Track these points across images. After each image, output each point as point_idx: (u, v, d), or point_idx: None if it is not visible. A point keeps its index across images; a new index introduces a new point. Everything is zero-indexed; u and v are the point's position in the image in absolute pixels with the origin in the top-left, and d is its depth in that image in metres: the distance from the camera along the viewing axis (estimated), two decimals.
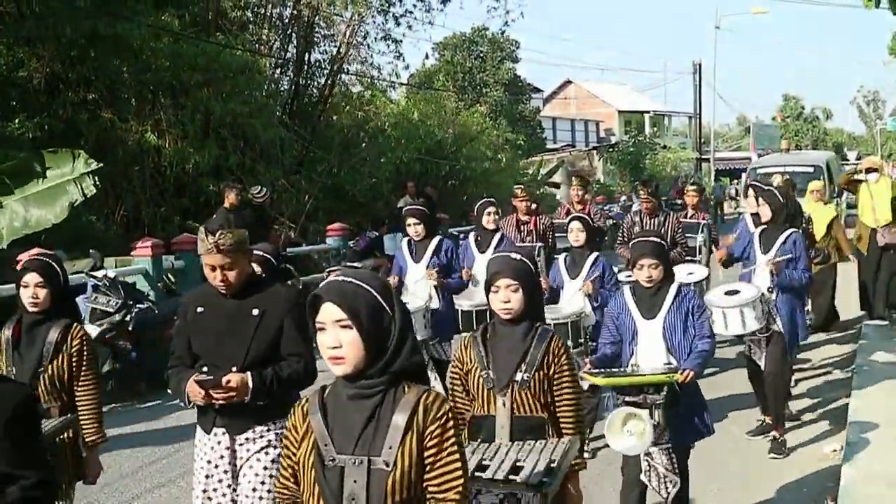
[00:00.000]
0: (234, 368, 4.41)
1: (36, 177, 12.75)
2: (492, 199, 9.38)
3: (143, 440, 8.43)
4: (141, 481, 7.44)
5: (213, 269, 4.47)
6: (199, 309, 4.62)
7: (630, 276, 9.52)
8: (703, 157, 50.03)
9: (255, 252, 5.48)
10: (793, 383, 9.67)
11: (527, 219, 10.98)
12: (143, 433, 8.93)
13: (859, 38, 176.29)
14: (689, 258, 10.60)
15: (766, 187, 8.52)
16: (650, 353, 5.60)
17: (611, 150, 47.01)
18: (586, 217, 8.13)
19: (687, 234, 10.72)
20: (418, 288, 8.44)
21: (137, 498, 7.18)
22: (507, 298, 4.28)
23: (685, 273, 9.77)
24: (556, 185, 34.86)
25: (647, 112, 67.54)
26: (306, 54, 22.54)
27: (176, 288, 13.51)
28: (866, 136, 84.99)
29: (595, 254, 8.01)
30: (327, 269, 15.12)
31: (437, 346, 8.36)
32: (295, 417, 2.98)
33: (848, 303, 13.39)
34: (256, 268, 5.33)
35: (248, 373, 4.40)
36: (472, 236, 9.26)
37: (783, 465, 7.69)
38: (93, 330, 10.13)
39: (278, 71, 22.53)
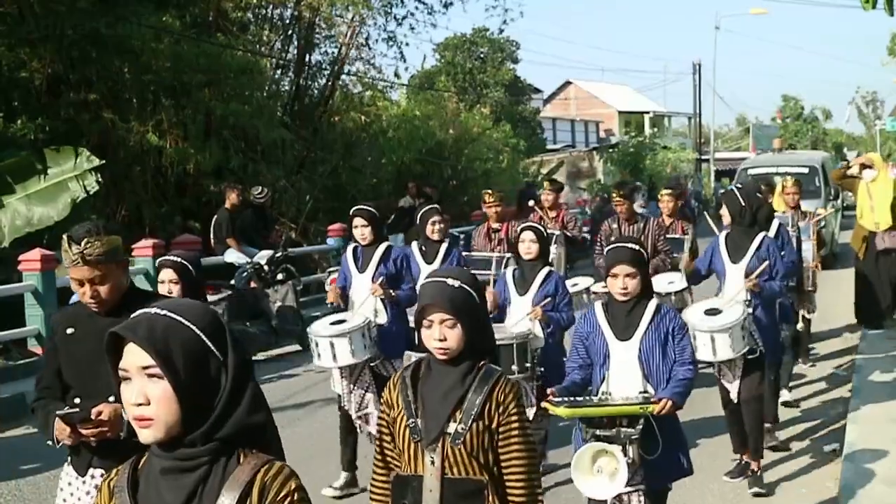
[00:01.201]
0: (110, 399, 3.70)
1: (37, 174, 12.72)
2: (436, 207, 8.41)
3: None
4: None
5: (81, 283, 3.86)
6: (69, 330, 4.00)
7: (605, 287, 9.01)
8: (703, 157, 49.98)
9: (170, 258, 5.13)
10: (782, 404, 8.85)
11: (498, 226, 10.03)
12: None
13: (858, 39, 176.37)
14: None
15: (730, 190, 7.74)
16: (624, 380, 4.96)
17: (611, 150, 46.90)
18: (539, 227, 7.31)
19: (668, 251, 9.72)
20: (363, 301, 7.42)
21: None
22: (441, 336, 3.38)
23: (665, 282, 9.07)
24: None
25: (647, 112, 67.46)
26: (307, 55, 22.57)
27: None
28: (865, 137, 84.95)
29: (547, 269, 7.15)
30: (328, 269, 15.10)
31: (382, 364, 7.26)
32: (101, 496, 2.27)
33: (847, 308, 12.99)
34: (171, 276, 5.00)
35: None
36: (415, 245, 8.27)
37: (782, 465, 7.68)
38: None
39: (279, 72, 22.55)
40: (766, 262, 7.03)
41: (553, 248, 9.41)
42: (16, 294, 11.54)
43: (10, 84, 15.48)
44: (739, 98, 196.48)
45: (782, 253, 7.70)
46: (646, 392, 4.86)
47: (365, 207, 7.58)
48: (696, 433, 7.69)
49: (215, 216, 14.54)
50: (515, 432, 3.40)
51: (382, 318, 7.32)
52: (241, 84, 18.49)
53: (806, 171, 21.49)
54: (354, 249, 7.59)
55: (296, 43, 22.74)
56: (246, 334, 10.85)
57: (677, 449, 5.01)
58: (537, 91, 51.99)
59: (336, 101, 23.18)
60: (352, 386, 7.13)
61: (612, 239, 9.58)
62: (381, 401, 3.65)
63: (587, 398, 4.83)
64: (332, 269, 14.71)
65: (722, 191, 31.64)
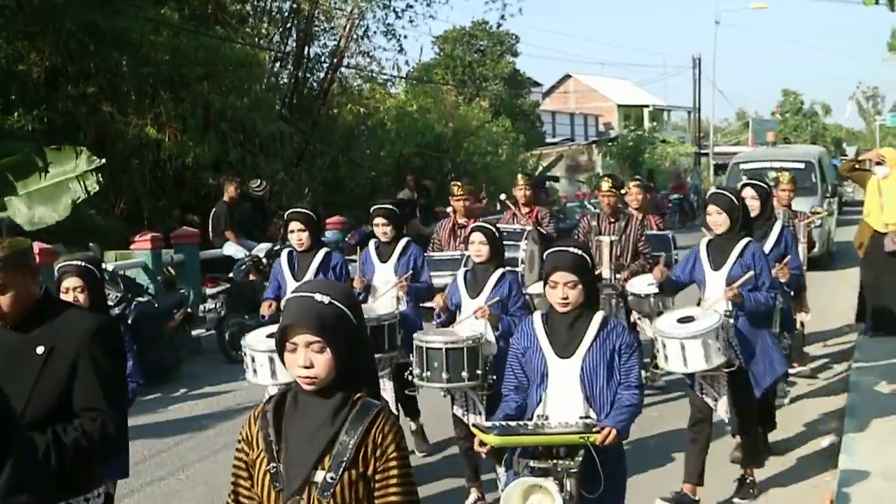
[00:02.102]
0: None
1: (38, 173, 12.71)
2: (385, 207, 7.85)
3: (142, 433, 8.41)
4: (141, 474, 7.42)
5: None
6: None
7: None
8: (702, 151, 49.95)
9: (72, 263, 4.77)
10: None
11: (465, 222, 9.19)
12: (142, 426, 8.90)
13: (859, 34, 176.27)
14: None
15: (721, 191, 7.00)
16: (563, 402, 4.40)
17: (610, 143, 46.91)
18: (489, 226, 6.75)
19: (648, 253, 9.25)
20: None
21: (137, 491, 7.17)
22: (307, 362, 2.80)
23: (644, 283, 8.66)
24: (556, 179, 34.84)
25: (647, 106, 67.44)
26: (306, 48, 22.55)
27: (176, 281, 13.50)
28: (865, 132, 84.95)
29: (500, 270, 6.60)
30: None
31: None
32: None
33: (844, 309, 12.62)
34: (76, 283, 4.69)
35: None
36: (372, 244, 7.93)
37: (779, 459, 7.68)
38: None
39: (278, 65, 22.53)
40: (751, 272, 6.42)
41: (524, 245, 9.21)
42: None
43: (7, 77, 15.45)
44: (739, 92, 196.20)
45: (785, 260, 7.44)
46: (588, 417, 4.34)
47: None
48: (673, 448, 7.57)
49: (213, 209, 14.55)
50: (394, 481, 2.85)
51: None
52: (240, 77, 18.48)
53: (802, 166, 20.25)
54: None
55: (294, 35, 22.74)
56: (244, 327, 10.83)
57: (619, 485, 4.49)
58: (537, 84, 52.02)
59: (335, 93, 23.17)
60: None
61: (594, 237, 9.11)
62: (240, 437, 2.97)
63: (521, 424, 4.32)
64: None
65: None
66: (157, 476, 7.54)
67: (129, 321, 10.45)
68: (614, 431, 4.23)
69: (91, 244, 12.39)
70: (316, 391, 2.84)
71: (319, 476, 2.81)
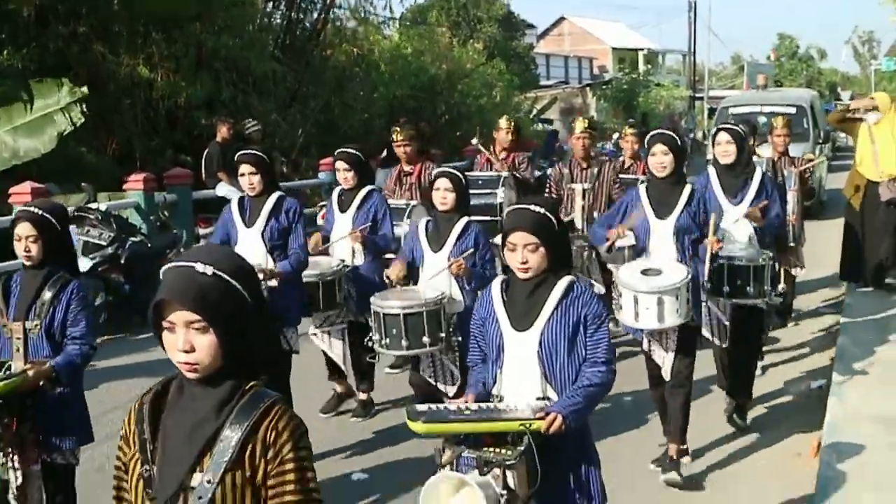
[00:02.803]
0: None
1: (23, 105, 12.64)
2: (346, 151, 7.44)
3: (135, 372, 8.45)
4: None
5: None
6: None
7: None
8: (697, 95, 49.81)
9: (29, 209, 4.71)
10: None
11: (410, 169, 8.89)
12: (134, 365, 8.94)
13: None
14: None
15: (663, 130, 6.54)
16: (519, 382, 3.87)
17: (604, 87, 46.69)
18: (455, 172, 6.29)
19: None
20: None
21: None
22: (187, 345, 2.36)
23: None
24: (550, 122, 34.69)
25: (641, 49, 67.05)
26: None
27: (169, 222, 13.47)
28: (860, 77, 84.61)
29: (464, 220, 6.13)
30: (319, 204, 15.06)
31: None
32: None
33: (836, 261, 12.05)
34: (29, 231, 4.63)
35: None
36: (336, 192, 7.56)
37: (769, 405, 7.74)
38: (85, 263, 10.12)
39: (270, 4, 22.27)
40: (714, 217, 6.16)
41: (500, 192, 8.99)
42: (6, 227, 11.48)
43: None
44: (735, 36, 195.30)
45: (761, 204, 6.90)
46: (546, 398, 3.82)
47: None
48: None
49: (206, 149, 14.48)
50: (291, 488, 2.39)
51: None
52: (233, 16, 18.28)
53: (793, 110, 19.53)
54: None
55: None
56: None
57: (583, 477, 3.88)
58: (531, 27, 51.62)
59: (328, 35, 22.93)
60: None
61: (567, 185, 8.62)
62: (120, 435, 2.58)
63: (458, 409, 3.73)
64: (323, 203, 14.72)
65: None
66: None
67: (122, 261, 10.46)
68: (559, 419, 3.62)
69: (83, 184, 12.36)
70: (200, 379, 2.40)
71: (197, 479, 2.37)
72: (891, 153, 10.31)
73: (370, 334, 6.21)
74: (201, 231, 12.37)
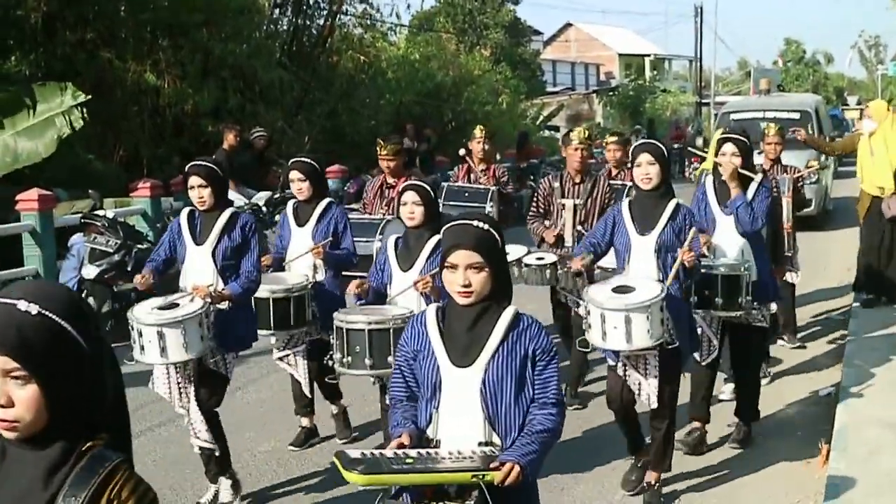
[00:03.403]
0: None
1: (27, 110, 12.65)
2: (301, 161, 7.03)
3: (142, 380, 8.41)
4: (140, 420, 7.45)
5: None
6: None
7: (542, 258, 7.69)
8: (704, 101, 49.73)
9: (197, 163, 5.21)
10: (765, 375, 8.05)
11: (393, 182, 8.25)
12: (141, 373, 8.91)
13: None
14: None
15: (650, 140, 6.32)
16: (458, 425, 3.38)
17: (611, 93, 46.71)
18: (424, 185, 5.80)
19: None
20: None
21: (136, 436, 7.19)
22: (2, 398, 1.94)
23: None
24: (556, 129, 34.69)
25: (648, 55, 67.06)
26: None
27: None
28: (867, 81, 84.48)
29: (436, 237, 5.37)
30: None
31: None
32: None
33: (839, 272, 12.11)
34: (199, 181, 5.07)
35: None
36: (290, 205, 7.14)
37: (777, 411, 7.70)
38: (92, 270, 10.14)
39: (277, 11, 22.33)
40: (693, 230, 5.76)
41: (489, 207, 8.74)
42: (13, 234, 11.50)
43: (5, 22, 15.29)
44: (741, 41, 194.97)
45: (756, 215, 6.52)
46: (489, 444, 3.35)
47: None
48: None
49: (213, 156, 14.47)
50: None
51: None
52: (240, 23, 18.35)
53: (797, 116, 18.80)
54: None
55: None
56: None
57: None
58: (537, 33, 51.68)
59: (335, 41, 22.98)
60: (182, 383, 6.05)
61: (556, 200, 7.78)
62: None
63: (396, 456, 3.22)
64: None
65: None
66: (157, 422, 7.57)
67: (129, 268, 10.45)
68: (517, 468, 3.16)
69: (90, 191, 12.36)
70: (23, 440, 1.97)
71: None
72: (886, 167, 9.94)
73: (330, 353, 5.79)
74: None
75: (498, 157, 25.77)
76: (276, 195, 13.58)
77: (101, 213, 11.13)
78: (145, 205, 12.88)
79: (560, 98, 42.63)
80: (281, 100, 19.57)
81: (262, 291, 6.36)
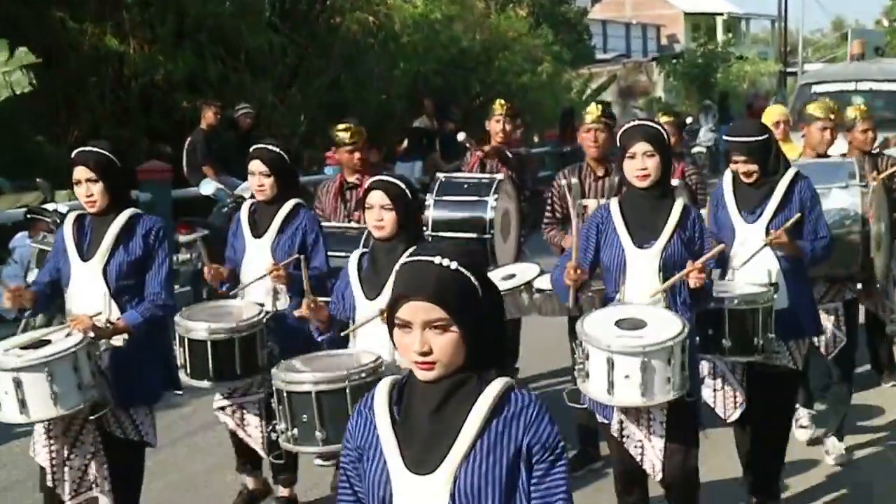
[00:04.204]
0: None
1: None
2: (264, 147, 6.54)
3: None
4: None
5: None
6: None
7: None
8: (789, 70, 49.50)
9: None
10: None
11: (356, 180, 7.85)
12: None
13: None
14: None
15: (645, 121, 5.82)
16: None
17: (674, 61, 46.59)
18: (396, 181, 5.26)
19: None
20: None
21: None
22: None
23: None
24: (608, 105, 34.59)
25: (720, 14, 66.92)
26: None
27: None
28: None
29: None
30: None
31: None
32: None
33: None
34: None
35: None
36: (245, 208, 6.72)
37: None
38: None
39: None
40: (718, 246, 5.40)
41: (492, 201, 7.70)
42: None
43: None
44: None
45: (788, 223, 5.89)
46: None
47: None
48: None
49: (189, 138, 14.48)
50: None
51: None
52: None
53: None
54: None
55: None
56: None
57: None
58: None
59: None
60: (65, 452, 5.38)
61: (574, 200, 6.94)
62: None
63: None
64: None
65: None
66: None
67: None
68: None
69: (39, 180, 12.37)
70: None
71: None
72: None
73: (273, 422, 5.18)
74: (182, 238, 12.32)
75: (536, 138, 25.88)
76: None
77: (51, 207, 11.11)
78: None
79: (612, 67, 42.53)
80: (271, 69, 19.55)
81: (199, 331, 5.91)
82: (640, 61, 48.46)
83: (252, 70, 18.89)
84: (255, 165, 6.40)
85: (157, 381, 5.69)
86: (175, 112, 17.32)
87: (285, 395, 4.93)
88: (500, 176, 7.91)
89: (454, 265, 2.80)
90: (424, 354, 2.79)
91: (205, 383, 6.04)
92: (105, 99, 16.91)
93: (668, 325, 4.95)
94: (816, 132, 7.59)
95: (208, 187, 13.66)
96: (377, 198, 5.15)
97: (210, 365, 5.91)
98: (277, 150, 6.47)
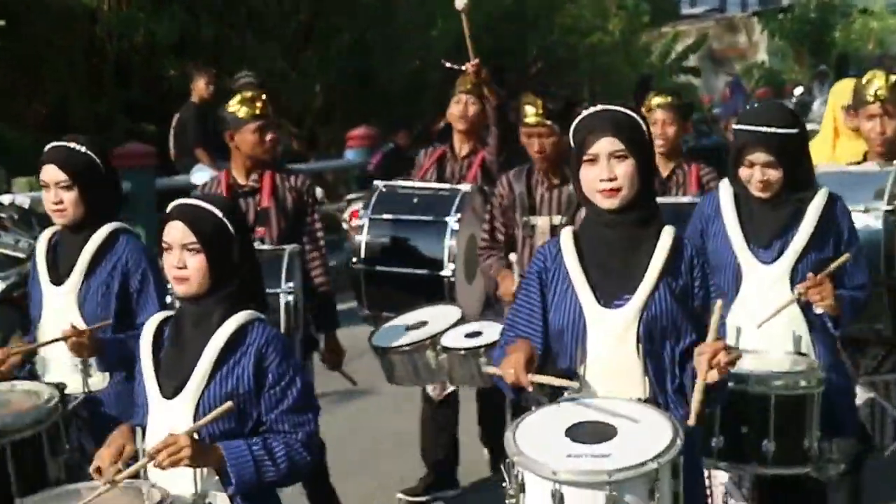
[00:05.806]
0: None
1: None
2: (61, 145, 5.45)
3: None
4: None
5: None
6: None
7: (476, 333, 6.35)
8: None
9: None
10: None
11: (254, 181, 7.09)
12: None
13: None
14: None
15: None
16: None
17: (781, 16, 46.38)
18: (205, 204, 4.27)
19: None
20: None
21: None
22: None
23: None
24: (696, 73, 34.49)
25: None
26: None
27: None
28: None
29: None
30: (346, 198, 15.03)
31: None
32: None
33: None
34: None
35: None
36: (43, 240, 5.72)
37: None
38: None
39: None
40: (719, 306, 4.03)
41: (454, 222, 7.11)
42: None
43: None
44: None
45: (830, 268, 5.09)
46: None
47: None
48: None
49: (177, 115, 14.53)
50: None
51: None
52: None
53: None
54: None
55: None
56: None
57: None
58: None
59: None
60: None
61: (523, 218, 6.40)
62: None
63: None
64: (351, 196, 14.69)
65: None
66: None
67: None
68: None
69: None
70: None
71: None
72: None
73: None
74: None
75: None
76: None
77: (7, 199, 11.19)
78: None
79: (702, 24, 42.44)
80: (280, 28, 19.62)
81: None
82: (736, 17, 48.32)
83: (255, 30, 18.97)
84: (50, 173, 5.41)
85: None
86: (160, 83, 17.44)
87: None
88: (465, 187, 7.26)
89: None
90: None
91: None
92: (75, 67, 17.03)
93: (650, 434, 3.92)
94: None
95: (201, 175, 13.71)
96: (176, 230, 4.16)
97: None
98: (83, 149, 5.49)
